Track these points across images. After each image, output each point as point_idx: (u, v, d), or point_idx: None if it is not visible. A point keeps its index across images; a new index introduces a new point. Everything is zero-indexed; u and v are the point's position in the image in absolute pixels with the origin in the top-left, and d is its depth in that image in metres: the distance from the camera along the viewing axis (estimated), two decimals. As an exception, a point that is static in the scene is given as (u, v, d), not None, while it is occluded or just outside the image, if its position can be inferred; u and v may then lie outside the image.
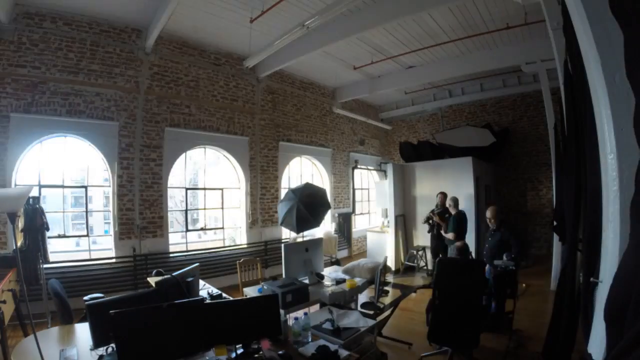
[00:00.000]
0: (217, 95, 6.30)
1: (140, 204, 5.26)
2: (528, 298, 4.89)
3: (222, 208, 6.61)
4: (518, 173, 8.23)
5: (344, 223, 8.70)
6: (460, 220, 5.09)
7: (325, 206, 4.70)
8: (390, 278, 4.40)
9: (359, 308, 3.11)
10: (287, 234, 7.53)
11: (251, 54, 6.17)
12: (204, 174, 6.79)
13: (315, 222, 4.79)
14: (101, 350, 1.84)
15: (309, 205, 4.64)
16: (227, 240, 6.76)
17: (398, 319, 4.08)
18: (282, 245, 3.35)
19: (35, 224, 3.82)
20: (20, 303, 3.07)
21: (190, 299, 2.06)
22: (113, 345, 1.74)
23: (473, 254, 6.29)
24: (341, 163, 9.08)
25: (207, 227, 6.92)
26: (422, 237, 6.96)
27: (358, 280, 3.36)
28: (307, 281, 3.26)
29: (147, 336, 1.70)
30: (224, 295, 3.01)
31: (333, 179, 8.71)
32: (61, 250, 5.32)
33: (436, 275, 3.18)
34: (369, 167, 10.27)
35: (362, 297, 3.73)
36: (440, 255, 5.32)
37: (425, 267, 6.67)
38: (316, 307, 3.14)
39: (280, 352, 1.90)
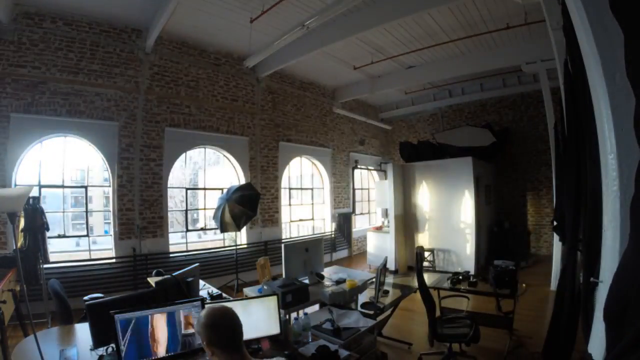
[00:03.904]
0: (217, 95, 6.30)
1: (140, 204, 5.26)
2: (528, 298, 4.88)
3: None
4: (518, 173, 8.23)
5: (344, 223, 8.71)
6: None
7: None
8: (390, 279, 4.40)
9: (359, 308, 3.10)
10: (286, 234, 7.54)
11: (251, 54, 6.17)
12: (204, 174, 6.79)
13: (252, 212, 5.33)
14: (101, 350, 1.84)
15: (237, 200, 5.01)
16: (227, 240, 6.76)
17: (398, 319, 4.08)
18: (282, 245, 3.35)
19: (35, 224, 3.82)
20: (20, 303, 3.07)
21: (191, 299, 2.06)
22: (113, 345, 1.74)
23: (473, 257, 6.30)
24: (341, 163, 9.08)
25: (207, 227, 6.92)
26: (425, 238, 6.97)
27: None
28: (307, 281, 3.26)
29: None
30: (224, 295, 3.01)
31: (333, 179, 8.72)
32: (61, 250, 5.32)
33: None
34: (369, 167, 10.27)
35: (362, 297, 3.73)
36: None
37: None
38: (316, 307, 3.14)
39: (286, 352, 1.90)
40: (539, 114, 7.41)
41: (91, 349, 1.85)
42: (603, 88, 1.17)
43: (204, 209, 6.89)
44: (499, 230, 7.52)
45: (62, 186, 5.20)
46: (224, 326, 1.25)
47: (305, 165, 8.55)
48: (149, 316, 1.74)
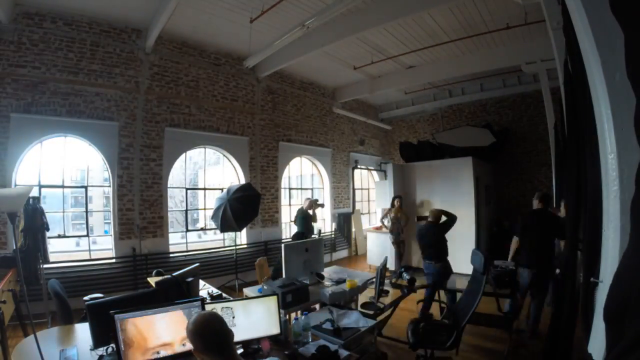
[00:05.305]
0: (217, 95, 6.30)
1: (140, 204, 5.26)
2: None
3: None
4: (518, 173, 8.23)
5: (344, 223, 8.71)
6: None
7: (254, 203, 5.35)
8: (389, 279, 4.40)
9: (359, 308, 3.11)
10: (286, 234, 7.54)
11: (251, 54, 6.17)
12: (204, 174, 6.79)
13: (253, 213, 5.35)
14: (101, 350, 1.84)
15: (238, 200, 5.07)
16: (227, 240, 6.76)
17: (398, 319, 4.08)
18: (282, 245, 3.35)
19: (35, 224, 3.82)
20: (20, 303, 3.07)
21: (191, 299, 2.06)
22: (113, 345, 1.74)
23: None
24: (341, 163, 9.08)
25: (207, 227, 6.92)
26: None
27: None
28: (307, 281, 3.26)
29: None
30: (224, 295, 3.01)
31: (333, 179, 8.72)
32: (61, 250, 5.33)
33: None
34: (369, 167, 10.27)
35: (362, 297, 3.73)
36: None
37: None
38: (316, 307, 3.14)
39: (286, 352, 1.90)
40: (539, 114, 7.41)
41: (91, 349, 1.85)
42: (603, 88, 1.17)
43: (204, 209, 6.88)
44: (498, 230, 7.52)
45: (62, 186, 5.20)
46: (210, 332, 1.26)
47: (305, 165, 8.54)
48: (150, 316, 1.74)
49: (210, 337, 1.25)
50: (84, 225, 5.33)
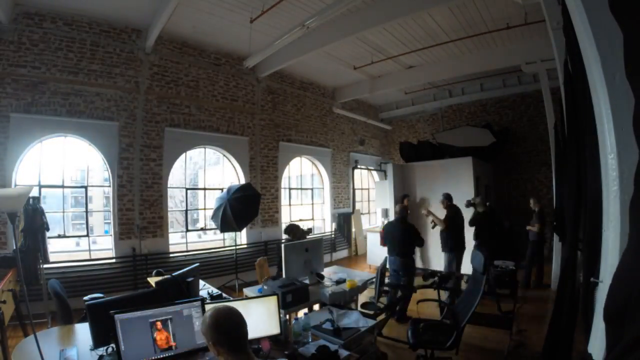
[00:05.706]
0: (217, 96, 6.30)
1: (140, 204, 5.26)
2: (528, 298, 4.89)
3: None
4: (518, 173, 8.23)
5: (344, 223, 8.71)
6: None
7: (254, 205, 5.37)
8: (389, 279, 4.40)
9: (359, 308, 3.11)
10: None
11: (251, 54, 6.17)
12: (204, 174, 6.78)
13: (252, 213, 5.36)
14: (101, 350, 1.84)
15: (238, 200, 5.09)
16: (227, 240, 6.76)
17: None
18: (282, 245, 3.35)
19: (35, 224, 3.82)
20: (20, 303, 3.07)
21: (191, 299, 2.06)
22: (113, 345, 1.74)
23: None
24: (341, 163, 9.08)
25: (207, 227, 6.92)
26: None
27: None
28: (307, 281, 3.26)
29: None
30: (224, 295, 3.01)
31: (333, 179, 8.71)
32: (61, 250, 5.32)
33: None
34: (369, 167, 10.27)
35: (362, 297, 3.73)
36: None
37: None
38: (316, 307, 3.14)
39: (286, 352, 1.90)
40: (539, 114, 7.41)
41: (91, 349, 1.85)
42: (603, 88, 1.17)
43: (204, 209, 6.88)
44: (499, 231, 7.51)
45: (62, 186, 5.20)
46: (230, 326, 1.25)
47: (305, 165, 8.54)
48: (149, 316, 1.74)
49: (230, 331, 1.24)
50: (84, 225, 5.33)
